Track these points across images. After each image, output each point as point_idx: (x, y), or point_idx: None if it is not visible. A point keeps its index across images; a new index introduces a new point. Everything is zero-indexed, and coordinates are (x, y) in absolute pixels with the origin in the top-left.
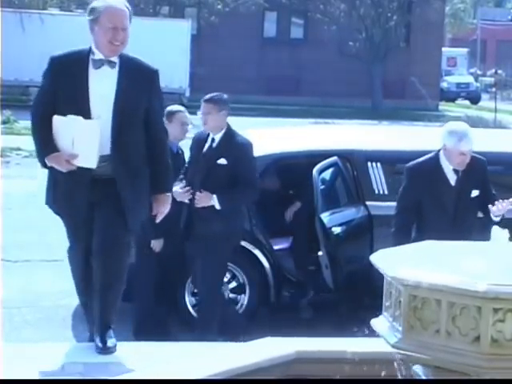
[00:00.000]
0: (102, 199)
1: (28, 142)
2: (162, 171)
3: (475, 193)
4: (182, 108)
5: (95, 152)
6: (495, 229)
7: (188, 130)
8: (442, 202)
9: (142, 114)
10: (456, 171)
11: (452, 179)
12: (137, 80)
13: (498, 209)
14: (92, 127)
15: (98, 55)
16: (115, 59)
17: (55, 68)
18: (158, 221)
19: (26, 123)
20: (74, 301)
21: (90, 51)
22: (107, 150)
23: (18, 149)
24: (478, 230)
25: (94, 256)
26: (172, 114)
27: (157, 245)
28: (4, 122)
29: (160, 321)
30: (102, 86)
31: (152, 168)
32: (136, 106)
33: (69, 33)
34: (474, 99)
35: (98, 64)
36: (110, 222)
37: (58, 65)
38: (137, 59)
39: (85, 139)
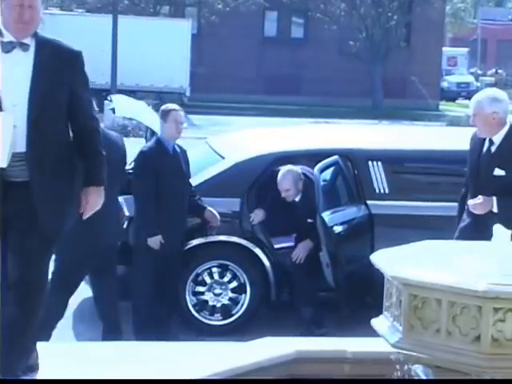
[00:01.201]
0: (15, 216)
1: None
2: (93, 162)
3: (499, 171)
4: (176, 106)
5: (6, 148)
6: (496, 228)
7: (182, 128)
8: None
9: (65, 101)
10: (490, 141)
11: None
12: (56, 64)
13: (474, 205)
14: (2, 119)
15: (7, 37)
16: (28, 41)
17: None
18: (85, 217)
19: None
20: (75, 301)
21: None
22: (22, 147)
23: None
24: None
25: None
26: (167, 112)
27: (153, 242)
28: None
29: (160, 320)
30: (15, 71)
31: (83, 160)
32: (56, 93)
33: (69, 32)
34: None
35: (8, 47)
36: (24, 259)
37: None
38: (56, 41)
39: None
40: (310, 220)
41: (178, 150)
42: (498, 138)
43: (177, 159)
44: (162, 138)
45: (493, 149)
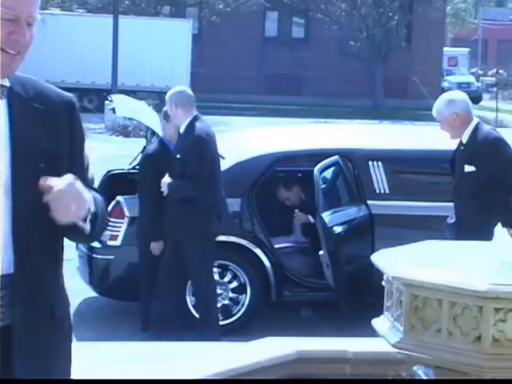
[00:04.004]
0: None
1: None
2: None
3: (469, 168)
4: None
5: None
6: (497, 228)
7: None
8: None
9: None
10: (461, 141)
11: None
12: (43, 117)
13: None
14: None
15: None
16: (5, 81)
17: None
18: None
19: None
20: (76, 300)
21: None
22: (7, 263)
23: None
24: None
25: None
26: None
27: (156, 247)
28: None
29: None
30: None
31: None
32: (44, 168)
33: (70, 33)
34: (475, 99)
35: None
36: None
37: None
38: (37, 81)
39: None
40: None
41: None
42: (465, 137)
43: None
44: (165, 139)
45: (462, 147)
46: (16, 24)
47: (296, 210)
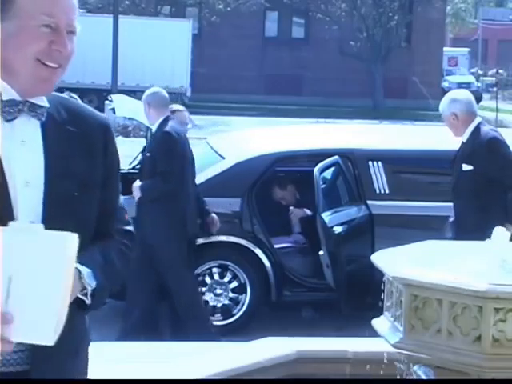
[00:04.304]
0: None
1: None
2: None
3: (467, 167)
4: (181, 107)
5: (56, 309)
6: (496, 228)
7: (188, 129)
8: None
9: (95, 208)
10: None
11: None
12: (77, 142)
13: None
14: (60, 252)
15: (6, 91)
16: (43, 101)
17: None
18: None
19: None
20: None
21: None
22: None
23: None
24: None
25: None
26: (172, 113)
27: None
28: None
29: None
30: (25, 158)
31: None
32: (85, 197)
33: None
34: (476, 99)
35: (11, 111)
36: None
37: None
38: (70, 101)
39: (40, 280)
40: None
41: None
42: (465, 136)
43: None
44: None
45: (461, 146)
46: (56, 33)
47: (291, 208)
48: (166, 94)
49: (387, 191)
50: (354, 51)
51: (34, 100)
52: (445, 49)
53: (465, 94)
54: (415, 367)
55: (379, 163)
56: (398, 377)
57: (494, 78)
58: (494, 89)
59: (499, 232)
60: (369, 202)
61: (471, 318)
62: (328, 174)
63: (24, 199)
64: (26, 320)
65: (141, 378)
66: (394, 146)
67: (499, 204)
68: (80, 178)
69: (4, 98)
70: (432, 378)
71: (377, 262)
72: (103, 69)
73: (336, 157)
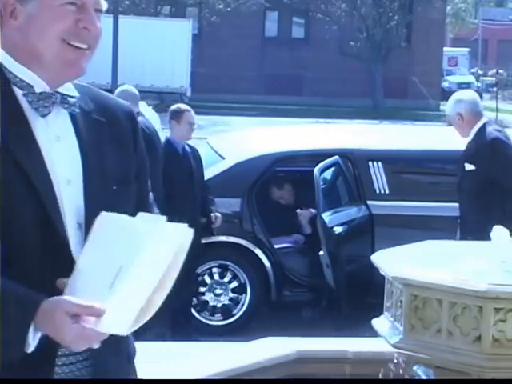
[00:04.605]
0: None
1: None
2: None
3: (469, 167)
4: (188, 107)
5: (140, 301)
6: (496, 228)
7: (194, 129)
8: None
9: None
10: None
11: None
12: (108, 132)
13: None
14: (178, 244)
15: (36, 83)
16: (73, 91)
17: None
18: None
19: None
20: None
21: (8, 75)
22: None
23: None
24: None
25: None
26: (180, 113)
27: None
28: None
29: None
30: (63, 156)
31: None
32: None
33: None
34: None
35: (46, 104)
36: None
37: None
38: (92, 88)
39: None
40: None
41: (188, 149)
42: (471, 136)
43: (187, 159)
44: (172, 139)
45: (466, 146)
46: (82, 10)
47: (298, 210)
48: (136, 92)
49: (387, 191)
50: (354, 51)
51: (64, 90)
52: (445, 49)
53: (470, 95)
54: (415, 367)
55: (379, 163)
56: (399, 377)
57: (493, 78)
58: (494, 89)
59: (499, 232)
60: (369, 202)
61: (471, 318)
62: (328, 174)
63: (67, 198)
64: (113, 311)
65: (141, 377)
66: (394, 146)
67: (500, 205)
68: (116, 170)
69: (36, 91)
70: (432, 377)
71: (377, 261)
72: (103, 69)
73: (336, 157)
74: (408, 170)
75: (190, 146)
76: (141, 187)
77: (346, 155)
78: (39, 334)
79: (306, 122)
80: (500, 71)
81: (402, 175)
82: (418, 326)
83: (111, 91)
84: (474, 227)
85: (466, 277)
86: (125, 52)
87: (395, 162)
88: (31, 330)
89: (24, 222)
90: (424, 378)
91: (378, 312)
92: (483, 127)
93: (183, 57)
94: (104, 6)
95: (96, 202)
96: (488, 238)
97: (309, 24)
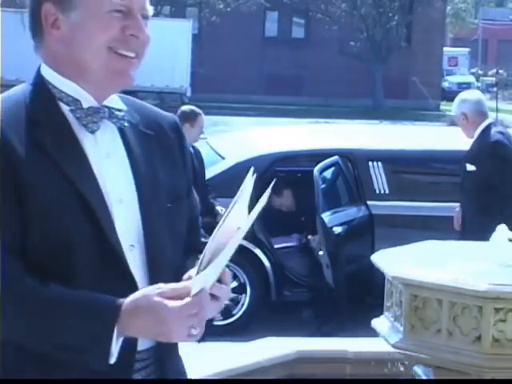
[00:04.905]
0: None
1: None
2: None
3: (470, 167)
4: (200, 110)
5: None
6: (497, 228)
7: (203, 132)
8: None
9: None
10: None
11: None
12: (156, 146)
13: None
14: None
15: (83, 97)
16: (120, 103)
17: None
18: None
19: None
20: None
21: (52, 90)
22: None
23: None
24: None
25: None
26: (195, 116)
27: None
28: None
29: None
30: (113, 174)
31: None
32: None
33: None
34: None
35: (95, 120)
36: None
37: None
38: (134, 100)
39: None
40: None
41: (191, 150)
42: (474, 137)
43: (191, 161)
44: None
45: (470, 147)
46: (129, 17)
47: (309, 237)
48: None
49: (387, 191)
50: (354, 51)
51: (110, 104)
52: (445, 49)
53: (475, 95)
54: (415, 367)
55: (379, 163)
56: (398, 377)
57: (493, 78)
58: (494, 89)
59: (499, 232)
60: (369, 202)
61: (471, 318)
62: (328, 174)
63: (120, 218)
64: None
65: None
66: (394, 145)
67: (498, 207)
68: (168, 186)
69: (84, 106)
70: (432, 377)
71: (377, 261)
72: None
73: (336, 157)
74: (408, 169)
75: (193, 146)
76: (192, 202)
77: (346, 155)
78: (121, 340)
79: (306, 122)
80: (500, 71)
81: (402, 175)
82: (418, 326)
83: None
84: (474, 228)
85: (465, 277)
86: None
87: (395, 161)
88: (114, 336)
89: (80, 241)
90: (424, 378)
91: (378, 312)
92: (488, 128)
93: (183, 57)
94: (150, 11)
95: (152, 222)
96: (488, 239)
97: (309, 24)
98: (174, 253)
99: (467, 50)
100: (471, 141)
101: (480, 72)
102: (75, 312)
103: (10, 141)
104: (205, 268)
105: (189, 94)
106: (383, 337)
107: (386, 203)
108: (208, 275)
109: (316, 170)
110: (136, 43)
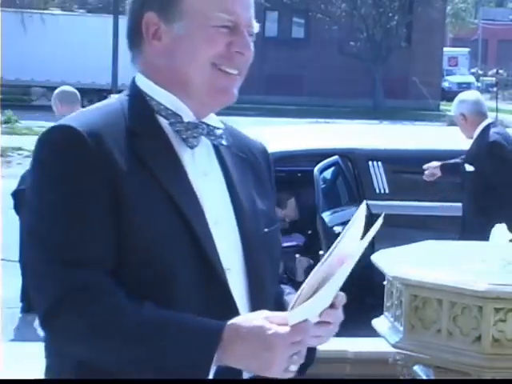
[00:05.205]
0: None
1: (29, 142)
2: None
3: (470, 168)
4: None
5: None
6: (497, 228)
7: None
8: None
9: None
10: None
11: None
12: (250, 170)
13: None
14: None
15: (184, 112)
16: (217, 121)
17: (93, 159)
18: None
19: (27, 123)
20: None
21: (151, 102)
22: None
23: (20, 148)
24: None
25: None
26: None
27: None
28: (5, 122)
29: None
30: (211, 194)
31: None
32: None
33: (70, 33)
34: None
35: (195, 135)
36: None
37: (97, 153)
38: (225, 123)
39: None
40: None
41: None
42: (474, 137)
43: None
44: None
45: (469, 147)
46: (236, 32)
47: (297, 255)
48: (76, 91)
49: (387, 191)
50: (354, 51)
51: (209, 121)
52: (445, 49)
53: (474, 95)
54: (415, 367)
55: (379, 163)
56: (398, 377)
57: (493, 78)
58: (494, 89)
59: (499, 232)
60: (369, 201)
61: (471, 318)
62: (328, 173)
63: (217, 238)
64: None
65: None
66: (394, 145)
67: (497, 208)
68: (263, 212)
69: (185, 120)
70: (432, 377)
71: (377, 261)
72: (103, 69)
73: (336, 157)
74: (408, 169)
75: None
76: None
77: (346, 155)
78: (215, 368)
79: (306, 122)
80: (500, 71)
81: (402, 175)
82: (418, 326)
83: (111, 91)
84: (474, 228)
85: (465, 277)
86: (125, 52)
87: (395, 161)
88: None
89: (180, 260)
90: (424, 377)
91: (378, 312)
92: (487, 128)
93: None
94: (256, 28)
95: (251, 246)
96: (488, 239)
97: (309, 24)
98: (271, 280)
99: (467, 50)
100: (471, 141)
101: (480, 72)
102: (173, 335)
103: (111, 152)
104: (308, 298)
105: None
106: (383, 337)
107: (386, 203)
108: (314, 304)
109: (316, 169)
110: (240, 60)
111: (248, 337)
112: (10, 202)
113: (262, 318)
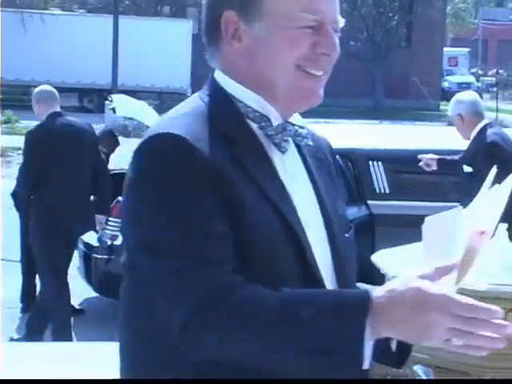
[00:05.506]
0: None
1: None
2: None
3: (467, 169)
4: None
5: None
6: (498, 228)
7: None
8: None
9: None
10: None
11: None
12: (327, 173)
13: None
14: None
15: (272, 114)
16: (300, 120)
17: (202, 167)
18: None
19: (27, 123)
20: (76, 300)
21: (237, 104)
22: None
23: (20, 148)
24: None
25: None
26: None
27: None
28: (5, 122)
29: None
30: (300, 197)
31: None
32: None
33: (70, 33)
34: None
35: (285, 139)
36: None
37: (204, 161)
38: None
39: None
40: None
41: None
42: (471, 138)
43: None
44: None
45: (467, 148)
46: (320, 32)
47: None
48: (55, 91)
49: (387, 191)
50: (354, 51)
51: (294, 121)
52: (445, 49)
53: (471, 96)
54: (415, 367)
55: (379, 163)
56: (398, 377)
57: (493, 78)
58: (494, 89)
59: (499, 232)
60: (369, 201)
61: None
62: None
63: (311, 243)
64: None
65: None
66: (394, 145)
67: None
68: (341, 216)
69: (274, 124)
70: (432, 378)
71: (377, 261)
72: (103, 69)
73: (336, 156)
74: (408, 169)
75: None
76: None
77: (346, 155)
78: (373, 340)
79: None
80: (500, 71)
81: (402, 175)
82: None
83: (111, 91)
84: None
85: (466, 277)
86: (125, 52)
87: (395, 161)
88: (367, 333)
89: (285, 266)
90: (424, 378)
91: None
92: (484, 129)
93: (183, 57)
94: (341, 23)
95: (340, 251)
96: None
97: None
98: (354, 285)
99: (467, 50)
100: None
101: (480, 72)
102: (322, 304)
103: (216, 159)
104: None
105: (189, 94)
106: None
107: (386, 203)
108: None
109: None
110: (326, 61)
111: (403, 300)
112: (10, 202)
113: (415, 279)
